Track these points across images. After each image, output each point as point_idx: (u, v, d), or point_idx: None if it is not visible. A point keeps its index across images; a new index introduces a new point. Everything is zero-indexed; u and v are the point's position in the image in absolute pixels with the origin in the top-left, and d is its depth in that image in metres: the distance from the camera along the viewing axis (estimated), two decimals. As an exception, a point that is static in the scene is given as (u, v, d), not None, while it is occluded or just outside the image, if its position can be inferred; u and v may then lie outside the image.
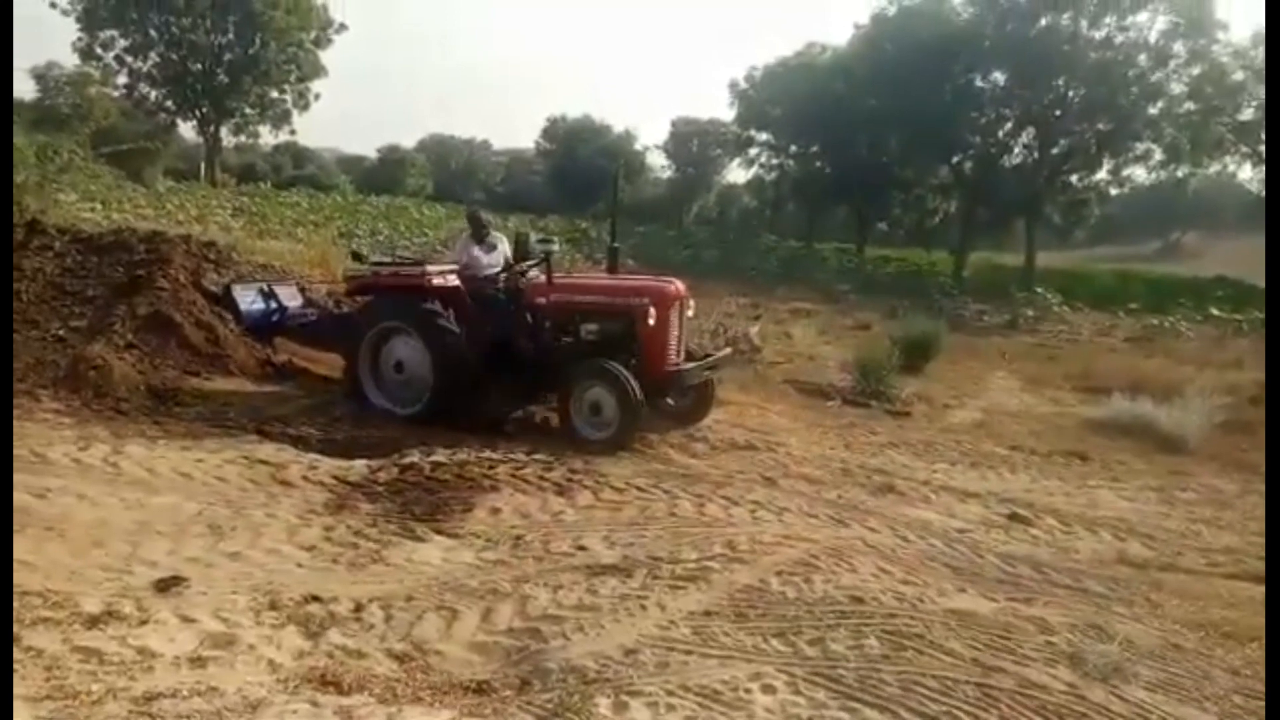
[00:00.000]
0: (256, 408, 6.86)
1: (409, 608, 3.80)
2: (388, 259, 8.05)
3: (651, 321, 6.83)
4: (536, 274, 7.47)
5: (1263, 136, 34.64)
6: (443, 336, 6.91)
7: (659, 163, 58.33)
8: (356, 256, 8.51)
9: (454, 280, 7.29)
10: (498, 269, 7.73)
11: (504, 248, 7.93)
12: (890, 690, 3.37)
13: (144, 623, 3.41)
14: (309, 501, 5.05)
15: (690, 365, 7.15)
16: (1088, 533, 5.76)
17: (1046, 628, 3.99)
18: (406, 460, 5.83)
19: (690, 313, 7.39)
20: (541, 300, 7.22)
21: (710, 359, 7.62)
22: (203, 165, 41.88)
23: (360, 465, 5.75)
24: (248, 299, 8.45)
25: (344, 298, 8.71)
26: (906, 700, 3.30)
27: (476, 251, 7.78)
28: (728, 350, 7.66)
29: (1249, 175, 38.94)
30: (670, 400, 7.41)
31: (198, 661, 3.18)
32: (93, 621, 3.37)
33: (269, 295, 8.63)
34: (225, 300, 8.42)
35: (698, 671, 3.42)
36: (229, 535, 4.45)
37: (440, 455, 5.96)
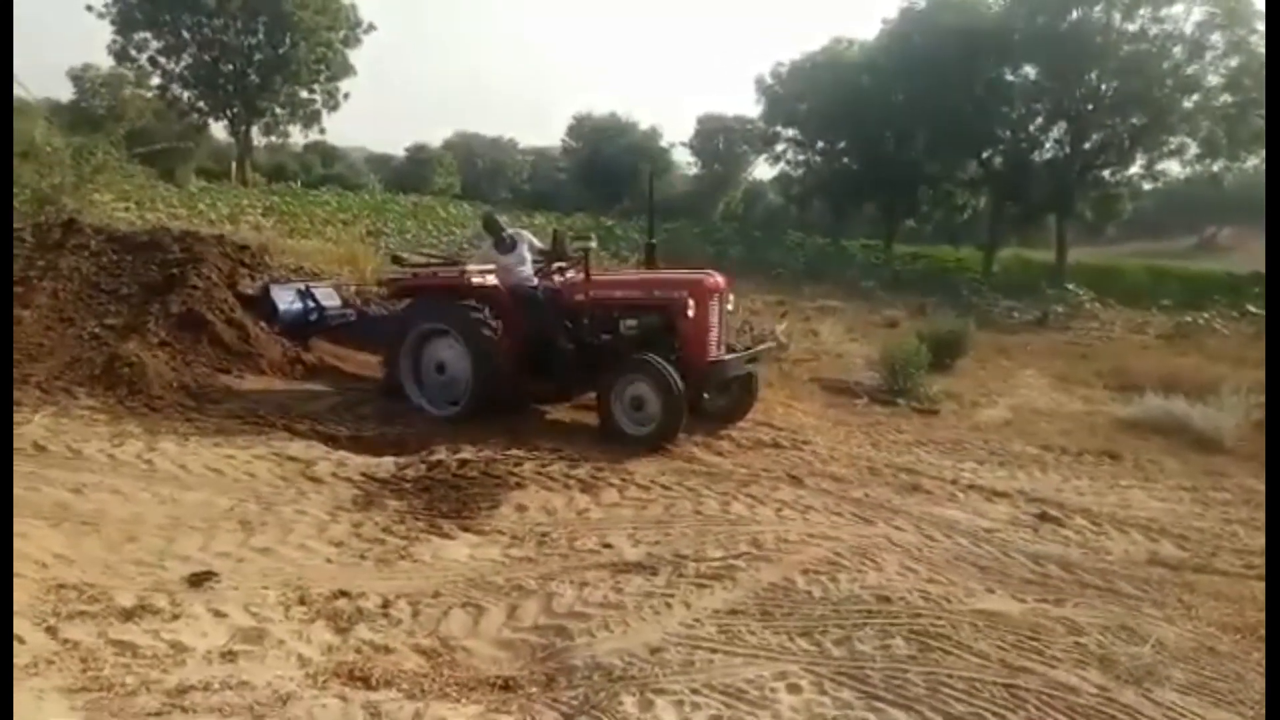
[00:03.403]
0: (286, 405, 6.94)
1: (436, 604, 3.83)
2: (426, 260, 8.05)
3: (691, 314, 6.78)
4: (573, 272, 7.48)
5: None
6: (482, 337, 6.94)
7: (685, 159, 58.27)
8: (396, 259, 8.48)
9: (492, 280, 7.31)
10: (526, 266, 7.68)
11: (525, 243, 7.85)
12: (917, 690, 3.35)
13: (176, 617, 3.47)
14: (338, 498, 5.10)
15: (731, 356, 7.10)
16: (1119, 533, 5.68)
17: (1076, 629, 3.94)
18: (434, 458, 5.87)
19: (730, 306, 7.34)
20: (580, 297, 7.20)
21: (751, 350, 7.52)
22: (234, 165, 42.46)
23: (388, 462, 5.80)
24: (286, 299, 8.54)
25: (380, 299, 8.81)
26: (933, 701, 3.28)
27: (499, 256, 7.70)
28: (769, 344, 7.59)
29: (1288, 168, 38.09)
30: (708, 395, 7.34)
31: (229, 655, 3.23)
32: (127, 615, 3.43)
33: (306, 295, 8.70)
34: (263, 300, 8.51)
35: (723, 670, 3.42)
36: (259, 531, 4.51)
37: (467, 453, 6.00)
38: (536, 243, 7.99)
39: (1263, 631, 4.12)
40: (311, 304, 8.66)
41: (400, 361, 7.30)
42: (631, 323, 7.04)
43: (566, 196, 49.75)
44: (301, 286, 8.86)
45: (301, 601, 3.71)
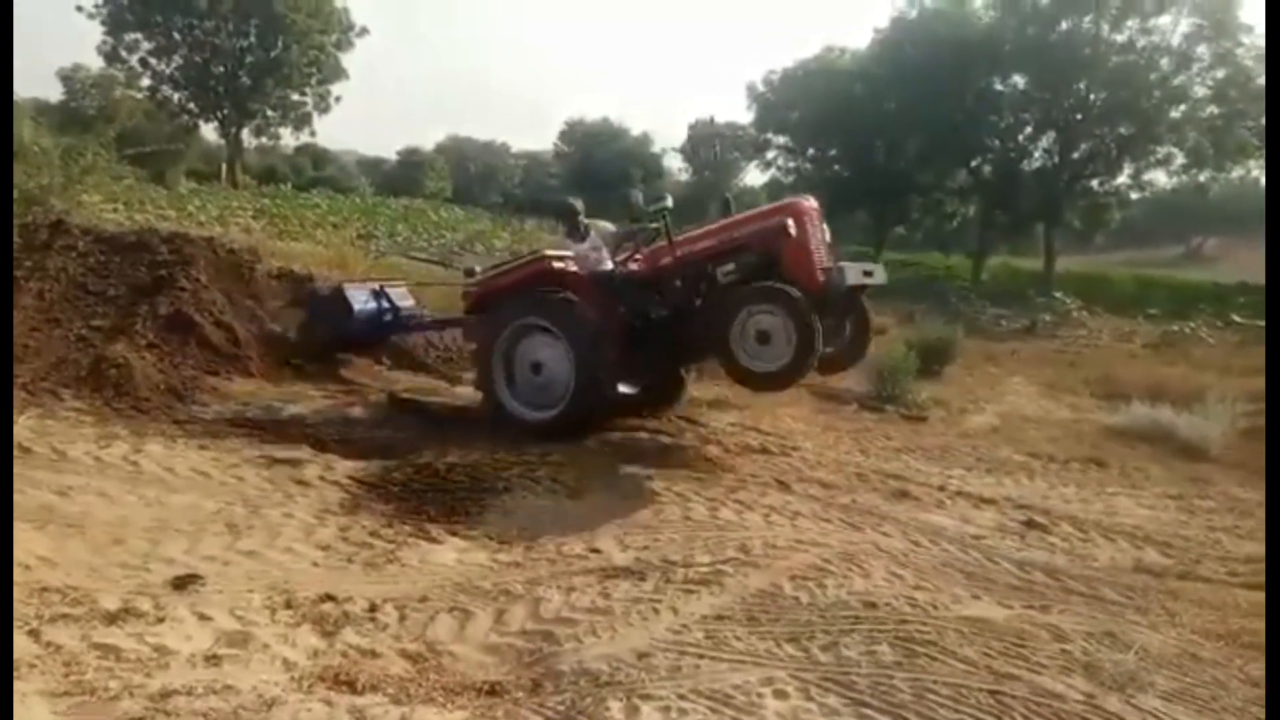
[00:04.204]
0: (275, 408, 6.92)
1: (423, 608, 3.82)
2: (502, 263, 7.75)
3: (793, 233, 6.34)
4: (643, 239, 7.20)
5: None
6: (583, 326, 6.58)
7: (676, 165, 58.40)
8: (469, 273, 7.86)
9: (574, 267, 7.00)
10: (602, 252, 7.41)
11: (599, 232, 7.64)
12: (903, 697, 3.35)
13: (161, 620, 3.45)
14: (325, 501, 5.09)
15: (845, 264, 6.48)
16: (1105, 540, 5.71)
17: (1061, 635, 3.96)
18: (421, 461, 5.86)
19: (826, 236, 6.69)
20: (666, 261, 6.83)
21: (858, 264, 6.85)
22: (224, 167, 42.35)
23: (376, 466, 5.78)
24: (360, 299, 8.29)
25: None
26: (919, 707, 3.28)
27: (575, 245, 7.40)
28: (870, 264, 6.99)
29: (1274, 180, 38.48)
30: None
31: (213, 659, 3.21)
32: (111, 618, 3.41)
33: (381, 295, 8.46)
34: (335, 301, 8.27)
35: (710, 676, 3.42)
36: (246, 534, 4.49)
37: (454, 456, 5.99)
38: (610, 227, 7.82)
39: (1245, 639, 4.15)
40: (386, 304, 8.41)
41: (492, 369, 6.90)
42: (728, 267, 6.66)
43: (558, 201, 49.74)
44: (376, 287, 8.60)
45: (287, 605, 3.69)
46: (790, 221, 6.39)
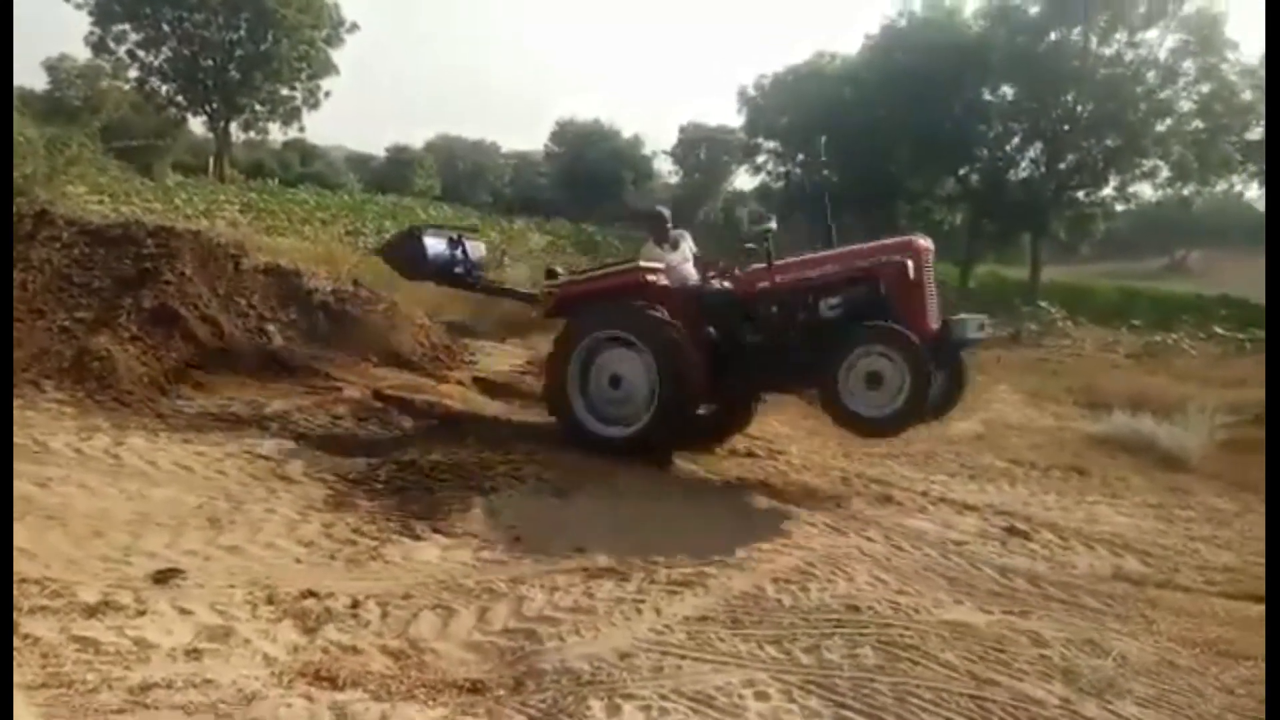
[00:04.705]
0: (259, 402, 6.88)
1: (405, 605, 3.81)
2: (589, 268, 7.44)
3: (912, 275, 6.07)
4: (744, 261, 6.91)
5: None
6: (671, 343, 6.24)
7: (666, 168, 58.47)
8: (551, 274, 7.46)
9: (665, 281, 6.66)
10: (689, 264, 7.12)
11: (688, 244, 7.29)
12: (884, 700, 3.37)
13: (141, 613, 3.42)
14: (308, 497, 5.06)
15: (964, 317, 6.30)
16: (1085, 548, 5.75)
17: (1041, 641, 3.99)
18: (406, 458, 5.84)
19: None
20: (764, 285, 6.53)
21: (976, 316, 6.64)
22: (212, 160, 42.08)
23: (361, 462, 5.76)
24: (436, 244, 7.86)
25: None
26: (900, 710, 3.31)
27: (664, 254, 7.05)
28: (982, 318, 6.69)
29: (1256, 194, 38.99)
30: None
31: (193, 653, 3.20)
32: (90, 611, 3.38)
33: (458, 245, 8.04)
34: (409, 243, 7.88)
35: (692, 677, 3.42)
36: (228, 529, 4.47)
37: (439, 454, 5.97)
38: (694, 246, 7.42)
39: (1222, 647, 4.21)
40: (460, 254, 7.98)
41: (567, 379, 6.56)
42: (833, 301, 6.28)
43: (548, 201, 49.68)
44: (454, 235, 8.12)
45: (269, 600, 3.68)
46: (910, 263, 6.12)
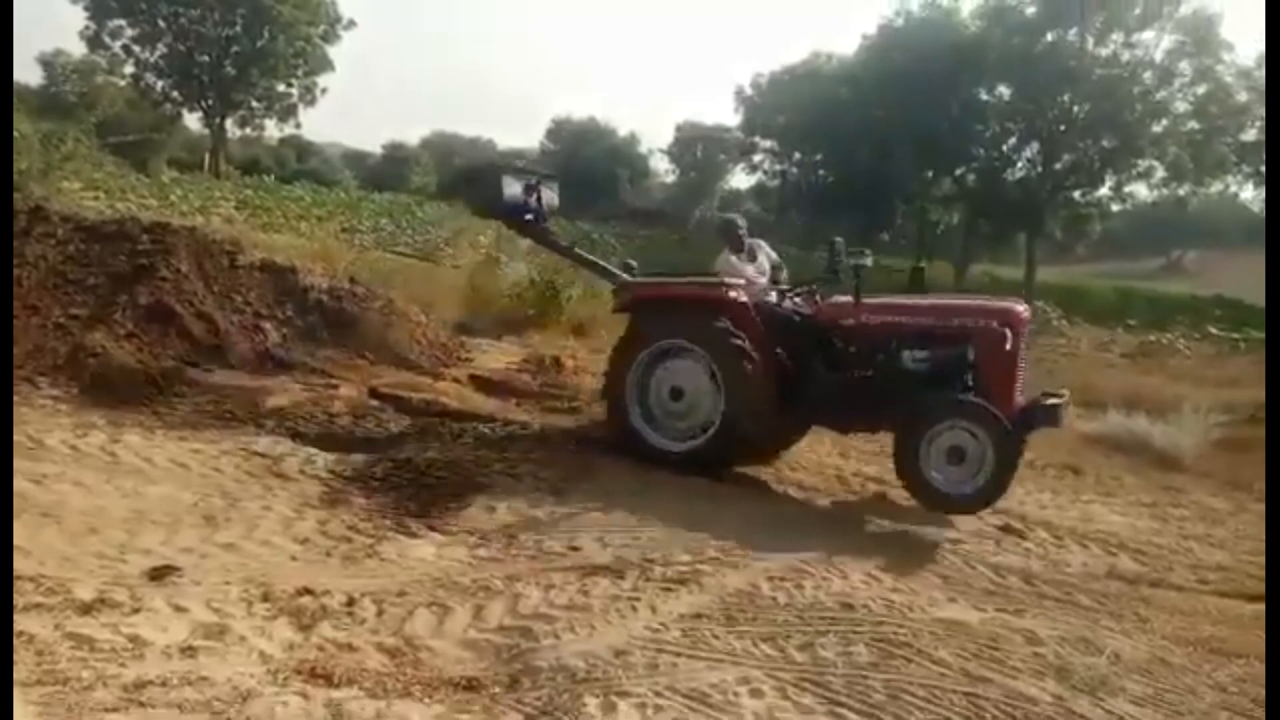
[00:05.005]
0: (255, 400, 6.86)
1: (401, 603, 3.81)
2: (669, 273, 7.12)
3: (1008, 346, 5.77)
4: (823, 290, 6.69)
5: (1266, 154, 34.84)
6: (741, 364, 6.00)
7: (663, 167, 58.50)
8: (628, 268, 7.18)
9: (744, 297, 6.35)
10: (765, 279, 6.85)
11: (765, 254, 7.00)
12: (878, 697, 3.38)
13: (136, 611, 3.42)
14: (304, 495, 5.06)
15: (1053, 401, 5.95)
16: (1079, 546, 5.76)
17: (1035, 639, 4.01)
18: (402, 456, 5.84)
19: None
20: (848, 322, 6.22)
21: (1060, 396, 6.17)
22: (207, 157, 42.03)
23: (357, 460, 5.76)
24: (514, 187, 7.42)
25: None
26: (894, 708, 3.32)
27: (738, 264, 6.77)
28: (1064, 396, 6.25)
29: (1251, 195, 39.21)
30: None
31: (188, 651, 3.19)
32: (85, 608, 3.38)
33: (534, 190, 7.62)
34: (485, 180, 7.49)
35: (686, 674, 3.43)
36: (223, 526, 4.46)
37: (435, 452, 5.97)
38: (773, 254, 7.10)
39: (1215, 645, 4.22)
40: (535, 201, 7.57)
41: (626, 385, 6.35)
42: (920, 354, 5.94)
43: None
44: (533, 180, 7.64)
45: (264, 598, 3.67)
46: (1009, 333, 5.81)
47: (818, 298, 6.72)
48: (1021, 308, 6.18)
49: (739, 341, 6.01)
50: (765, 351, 6.16)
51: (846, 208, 40.84)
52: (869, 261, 6.29)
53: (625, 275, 7.08)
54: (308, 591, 3.77)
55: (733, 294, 6.27)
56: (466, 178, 8.12)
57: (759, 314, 6.33)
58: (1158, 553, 5.82)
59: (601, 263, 7.57)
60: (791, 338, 6.36)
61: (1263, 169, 35.24)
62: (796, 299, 6.80)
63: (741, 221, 7.09)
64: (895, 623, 4.04)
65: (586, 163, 52.05)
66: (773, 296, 6.74)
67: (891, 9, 36.27)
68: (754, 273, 6.78)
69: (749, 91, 42.74)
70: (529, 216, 7.41)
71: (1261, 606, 5.17)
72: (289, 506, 4.83)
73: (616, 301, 6.95)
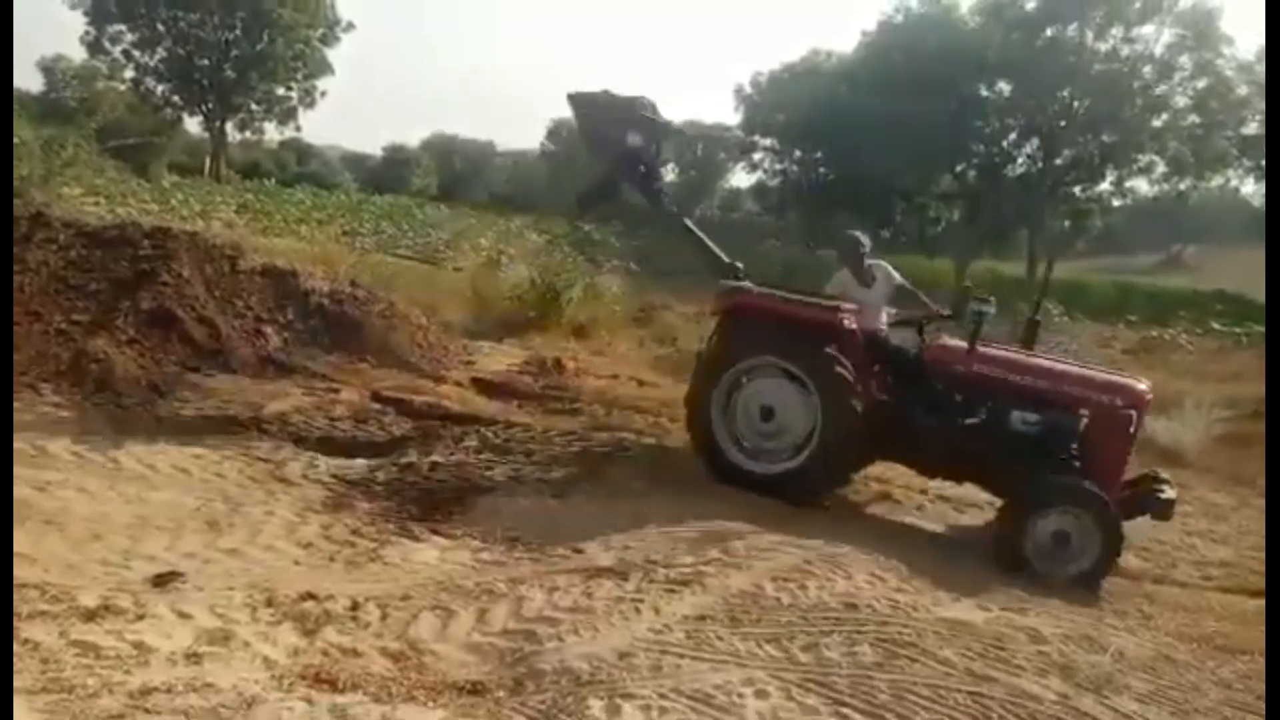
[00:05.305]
0: (257, 404, 6.87)
1: (405, 607, 3.81)
2: (779, 286, 6.60)
3: (1131, 429, 5.60)
4: (936, 330, 6.40)
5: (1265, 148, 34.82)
6: (846, 395, 5.70)
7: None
8: (735, 271, 6.66)
9: (855, 324, 6.04)
10: (882, 308, 6.52)
11: (885, 279, 6.61)
12: (883, 697, 3.38)
13: (140, 617, 3.42)
14: (307, 499, 5.07)
15: (1165, 491, 5.58)
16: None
17: (1039, 638, 4.01)
18: (405, 460, 5.85)
19: None
20: (959, 368, 5.91)
21: (1169, 485, 5.76)
22: (208, 161, 42.05)
23: (359, 464, 5.77)
24: (635, 135, 6.63)
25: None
26: (898, 708, 3.32)
27: (854, 288, 6.46)
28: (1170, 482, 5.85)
29: (1251, 190, 39.16)
30: None
31: (193, 657, 3.20)
32: (89, 615, 3.38)
33: (655, 144, 6.84)
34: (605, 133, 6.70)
35: (691, 675, 3.43)
36: (226, 532, 4.47)
37: (439, 455, 5.98)
38: (897, 277, 6.69)
39: (1219, 642, 4.23)
40: (644, 169, 6.74)
41: (712, 401, 6.02)
42: (1032, 418, 5.65)
43: (543, 200, 49.61)
44: (660, 127, 6.88)
45: (268, 603, 3.67)
46: (1135, 415, 5.63)
47: (925, 336, 6.40)
48: (1144, 386, 5.88)
49: (845, 373, 5.70)
50: (867, 384, 5.91)
51: (847, 205, 40.79)
52: (992, 310, 5.97)
53: (734, 273, 6.61)
54: (311, 596, 3.77)
55: (845, 321, 5.96)
56: (578, 103, 6.75)
57: (869, 345, 6.09)
58: (1161, 549, 5.83)
59: (714, 248, 6.89)
60: (893, 372, 6.13)
61: (1263, 163, 35.28)
62: (904, 332, 6.49)
63: (865, 241, 6.65)
64: (900, 623, 4.04)
65: (586, 164, 51.99)
66: (883, 323, 6.45)
67: (891, 6, 36.28)
68: (872, 299, 6.44)
69: (749, 90, 42.72)
70: (648, 177, 6.70)
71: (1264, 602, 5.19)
72: (292, 511, 4.84)
73: (715, 304, 6.52)
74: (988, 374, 5.86)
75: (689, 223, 7.05)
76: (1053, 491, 5.34)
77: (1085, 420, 5.60)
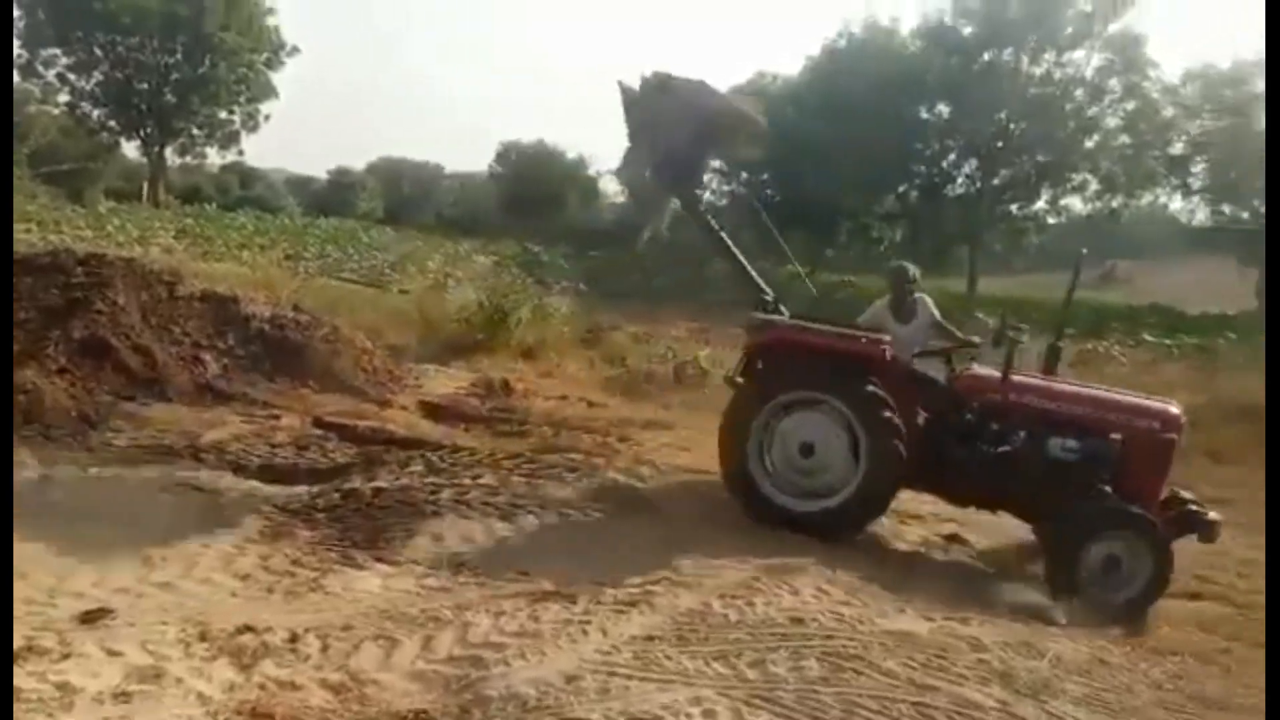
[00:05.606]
0: (194, 433, 6.72)
1: (346, 637, 3.73)
2: (816, 318, 6.40)
3: (1170, 453, 5.64)
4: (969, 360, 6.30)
5: (1192, 170, 36.30)
6: (892, 434, 5.59)
7: (613, 188, 58.58)
8: (765, 305, 6.46)
9: (894, 356, 5.92)
10: (919, 341, 6.41)
11: (926, 312, 6.56)
12: (830, 712, 3.40)
13: (66, 657, 3.29)
14: (245, 529, 4.94)
15: (1209, 513, 5.58)
16: (1024, 553, 5.89)
17: (980, 646, 4.07)
18: (348, 486, 5.75)
19: None
20: (994, 397, 5.80)
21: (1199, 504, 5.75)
22: (146, 185, 41.08)
23: (300, 492, 5.65)
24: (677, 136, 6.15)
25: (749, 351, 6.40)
26: (844, 721, 3.34)
27: (894, 324, 6.39)
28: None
29: (1179, 206, 40.74)
30: None
31: (122, 696, 3.09)
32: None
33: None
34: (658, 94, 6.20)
35: (639, 697, 3.41)
36: (159, 565, 4.34)
37: (383, 481, 5.89)
38: (936, 313, 6.61)
39: (1150, 644, 4.35)
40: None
41: (749, 436, 5.81)
42: (1071, 444, 5.57)
43: (493, 222, 49.41)
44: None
45: (203, 638, 3.57)
46: (1174, 439, 5.65)
47: (954, 365, 6.32)
48: (1177, 410, 5.85)
49: (890, 412, 5.59)
50: (909, 415, 5.79)
51: (793, 225, 41.33)
52: (1025, 339, 6.01)
53: (767, 300, 6.46)
54: (248, 629, 3.67)
55: (888, 354, 5.84)
56: (630, 100, 6.29)
57: (907, 378, 6.01)
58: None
59: (750, 271, 6.65)
60: (925, 403, 6.01)
61: (1190, 181, 36.75)
62: (932, 360, 6.38)
63: (913, 272, 6.57)
64: (845, 636, 4.06)
65: (535, 186, 51.95)
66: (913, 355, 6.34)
67: (835, 31, 37.11)
68: (910, 333, 6.36)
69: (695, 113, 43.31)
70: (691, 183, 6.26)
71: (1197, 604, 5.36)
72: (229, 542, 4.72)
73: (751, 339, 6.29)
74: (1026, 402, 5.78)
75: (729, 245, 6.75)
76: (1104, 517, 5.32)
77: (1123, 445, 5.55)
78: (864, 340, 5.90)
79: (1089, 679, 3.87)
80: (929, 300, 6.63)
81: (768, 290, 6.56)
